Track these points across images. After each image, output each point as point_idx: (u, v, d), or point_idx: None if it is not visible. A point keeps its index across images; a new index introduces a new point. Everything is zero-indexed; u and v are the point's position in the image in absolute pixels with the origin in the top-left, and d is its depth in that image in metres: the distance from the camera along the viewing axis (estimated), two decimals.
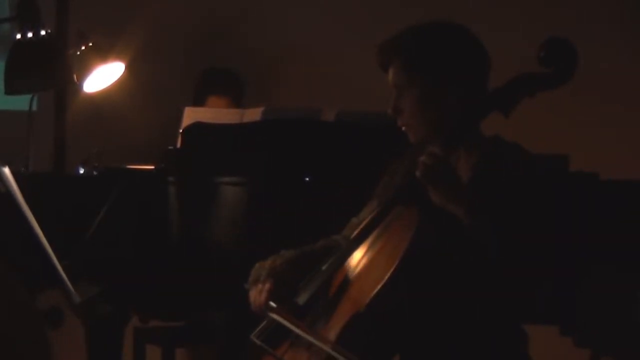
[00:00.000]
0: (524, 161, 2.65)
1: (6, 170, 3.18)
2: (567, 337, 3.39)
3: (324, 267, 2.65)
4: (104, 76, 4.27)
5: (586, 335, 3.37)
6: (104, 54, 4.24)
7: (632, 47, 4.83)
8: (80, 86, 4.22)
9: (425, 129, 2.67)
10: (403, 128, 2.71)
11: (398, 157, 2.83)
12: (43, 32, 3.71)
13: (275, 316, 2.61)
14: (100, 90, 4.33)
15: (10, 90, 3.75)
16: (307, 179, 3.44)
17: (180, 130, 3.63)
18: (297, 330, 2.55)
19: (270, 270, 2.76)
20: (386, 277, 2.49)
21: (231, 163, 3.46)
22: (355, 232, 2.70)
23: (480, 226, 2.51)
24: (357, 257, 2.66)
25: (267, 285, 2.73)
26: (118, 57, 4.30)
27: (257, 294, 2.74)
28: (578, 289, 3.33)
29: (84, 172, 3.87)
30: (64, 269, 3.12)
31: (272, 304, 2.66)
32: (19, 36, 3.70)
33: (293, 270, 2.75)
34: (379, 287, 2.49)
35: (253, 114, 3.76)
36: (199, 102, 4.64)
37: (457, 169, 2.66)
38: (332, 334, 2.52)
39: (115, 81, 4.33)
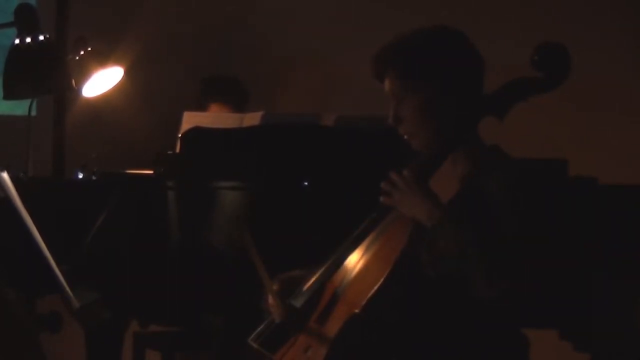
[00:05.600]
0: (518, 176, 2.60)
1: (5, 175, 3.18)
2: (567, 341, 3.39)
3: (320, 271, 2.65)
4: (102, 81, 4.27)
5: (586, 340, 3.37)
6: (102, 59, 4.25)
7: (630, 51, 4.83)
8: (79, 91, 4.22)
9: (427, 137, 2.64)
10: (405, 137, 2.68)
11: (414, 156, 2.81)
12: (42, 37, 3.70)
13: None
14: (99, 95, 4.34)
15: (8, 95, 3.74)
16: (306, 183, 3.44)
17: (179, 135, 3.64)
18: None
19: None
20: (381, 281, 2.50)
21: (229, 168, 3.46)
22: (352, 235, 2.69)
23: (446, 236, 2.49)
24: (354, 260, 2.66)
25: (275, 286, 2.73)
26: (117, 62, 4.31)
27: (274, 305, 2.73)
28: (578, 294, 3.33)
29: (83, 177, 3.87)
30: (63, 274, 3.11)
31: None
32: (17, 41, 3.69)
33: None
34: (374, 290, 2.50)
35: (252, 119, 3.75)
36: (201, 110, 4.59)
37: (446, 175, 2.64)
38: (329, 336, 2.53)
39: (114, 86, 4.33)
